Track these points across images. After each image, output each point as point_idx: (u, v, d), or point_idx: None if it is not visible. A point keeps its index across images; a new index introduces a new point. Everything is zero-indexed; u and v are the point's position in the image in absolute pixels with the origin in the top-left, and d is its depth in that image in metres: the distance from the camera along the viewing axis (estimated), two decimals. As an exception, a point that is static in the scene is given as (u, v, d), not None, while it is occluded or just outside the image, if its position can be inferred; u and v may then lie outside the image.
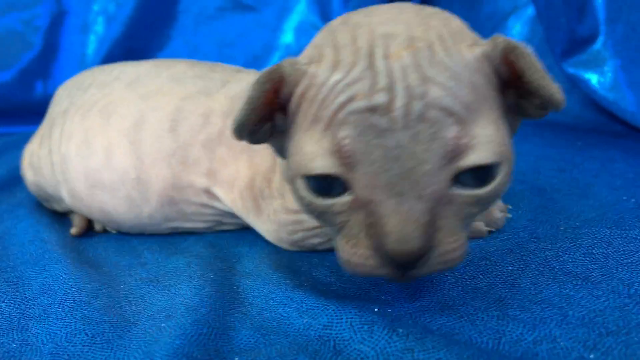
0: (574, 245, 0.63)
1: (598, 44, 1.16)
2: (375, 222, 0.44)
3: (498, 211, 0.69)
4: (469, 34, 0.48)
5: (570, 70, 1.20)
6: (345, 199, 0.45)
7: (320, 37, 0.50)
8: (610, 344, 0.45)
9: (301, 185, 0.47)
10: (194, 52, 1.73)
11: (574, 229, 0.67)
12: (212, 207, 0.71)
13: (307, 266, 0.64)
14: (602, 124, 1.21)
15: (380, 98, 0.43)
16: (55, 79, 1.68)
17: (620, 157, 0.94)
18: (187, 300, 0.56)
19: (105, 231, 0.80)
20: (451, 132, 0.43)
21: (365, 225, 0.45)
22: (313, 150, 0.45)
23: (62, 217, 0.84)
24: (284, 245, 0.68)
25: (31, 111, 1.66)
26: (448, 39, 0.46)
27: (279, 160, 0.64)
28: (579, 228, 0.67)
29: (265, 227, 0.68)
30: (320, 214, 0.48)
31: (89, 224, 0.81)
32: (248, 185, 0.67)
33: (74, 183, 0.74)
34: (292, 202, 0.63)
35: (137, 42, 1.68)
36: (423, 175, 0.43)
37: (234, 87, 0.72)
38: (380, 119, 0.43)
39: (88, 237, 0.78)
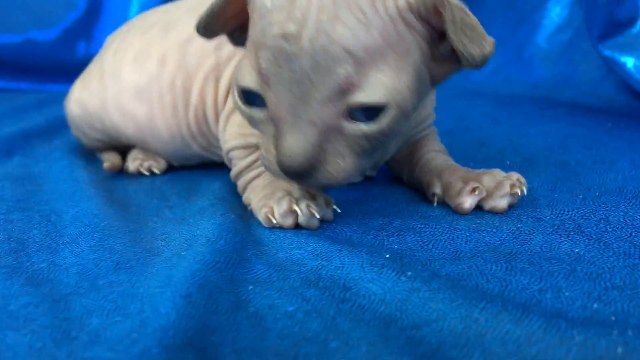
0: (590, 211, 0.63)
1: (636, 28, 1.15)
2: (277, 137, 0.52)
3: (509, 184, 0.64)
4: None
5: (606, 52, 1.19)
6: (263, 111, 0.54)
7: None
8: (614, 296, 0.46)
9: (236, 92, 0.55)
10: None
11: (593, 198, 0.67)
12: None
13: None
14: (636, 108, 1.20)
15: (292, 27, 0.49)
16: (97, 40, 1.72)
17: (649, 139, 0.94)
18: (207, 233, 0.58)
19: (137, 174, 0.84)
20: (346, 70, 0.49)
21: (272, 137, 0.53)
22: (246, 66, 0.53)
23: (95, 161, 0.88)
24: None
25: (73, 71, 1.70)
26: None
27: None
28: (598, 197, 0.67)
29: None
30: (247, 119, 0.57)
31: (121, 164, 0.85)
32: None
33: (123, 95, 0.80)
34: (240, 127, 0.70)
35: (178, 9, 1.71)
36: (316, 102, 0.50)
37: None
38: (290, 46, 0.49)
39: (119, 179, 0.82)
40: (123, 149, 0.90)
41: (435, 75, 0.55)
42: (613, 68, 1.19)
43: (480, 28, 0.50)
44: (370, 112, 0.51)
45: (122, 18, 1.73)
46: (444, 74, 0.55)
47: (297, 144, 0.51)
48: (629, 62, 1.15)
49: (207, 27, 0.58)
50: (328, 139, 0.52)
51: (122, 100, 0.80)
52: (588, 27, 1.23)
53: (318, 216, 0.60)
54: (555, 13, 1.42)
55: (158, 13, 0.86)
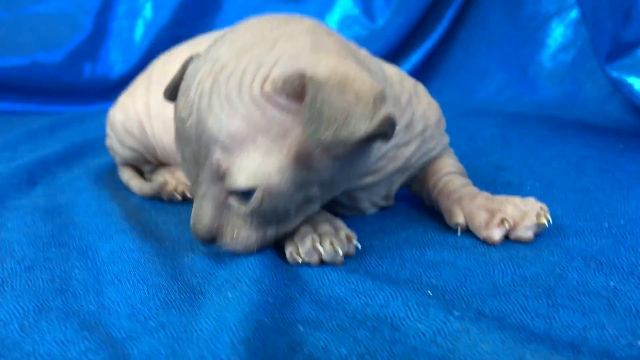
0: (618, 241, 0.65)
1: (643, 49, 1.18)
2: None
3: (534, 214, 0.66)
4: (304, 60, 0.53)
5: (614, 73, 1.21)
6: None
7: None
8: (657, 334, 0.48)
9: None
10: (237, 41, 1.77)
11: (618, 227, 0.69)
12: None
13: (357, 252, 0.66)
14: (643, 128, 1.22)
15: (184, 113, 0.56)
16: (103, 61, 1.74)
17: (662, 161, 0.96)
18: (250, 272, 0.59)
19: (169, 199, 0.85)
20: (217, 156, 0.54)
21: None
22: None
23: (121, 190, 0.89)
24: None
25: (80, 92, 1.72)
26: (257, 70, 0.53)
27: None
28: (623, 226, 0.69)
29: None
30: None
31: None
32: None
33: (167, 103, 0.83)
34: None
35: (183, 30, 1.72)
36: (203, 182, 0.56)
37: None
38: (184, 130, 0.56)
39: (146, 210, 0.82)
40: (148, 170, 0.92)
41: (334, 151, 0.52)
42: (620, 89, 1.22)
43: (359, 109, 0.49)
44: (246, 192, 0.55)
45: (127, 39, 1.74)
46: (349, 148, 0.51)
47: (199, 215, 0.57)
48: (637, 83, 1.18)
49: (173, 97, 0.64)
50: (224, 212, 0.58)
51: (166, 109, 0.82)
52: (594, 48, 1.26)
53: (341, 253, 0.62)
54: (559, 33, 1.44)
55: (209, 34, 0.90)
